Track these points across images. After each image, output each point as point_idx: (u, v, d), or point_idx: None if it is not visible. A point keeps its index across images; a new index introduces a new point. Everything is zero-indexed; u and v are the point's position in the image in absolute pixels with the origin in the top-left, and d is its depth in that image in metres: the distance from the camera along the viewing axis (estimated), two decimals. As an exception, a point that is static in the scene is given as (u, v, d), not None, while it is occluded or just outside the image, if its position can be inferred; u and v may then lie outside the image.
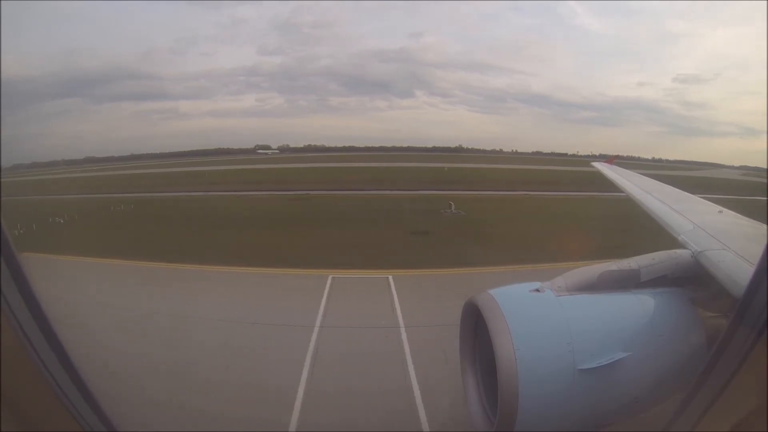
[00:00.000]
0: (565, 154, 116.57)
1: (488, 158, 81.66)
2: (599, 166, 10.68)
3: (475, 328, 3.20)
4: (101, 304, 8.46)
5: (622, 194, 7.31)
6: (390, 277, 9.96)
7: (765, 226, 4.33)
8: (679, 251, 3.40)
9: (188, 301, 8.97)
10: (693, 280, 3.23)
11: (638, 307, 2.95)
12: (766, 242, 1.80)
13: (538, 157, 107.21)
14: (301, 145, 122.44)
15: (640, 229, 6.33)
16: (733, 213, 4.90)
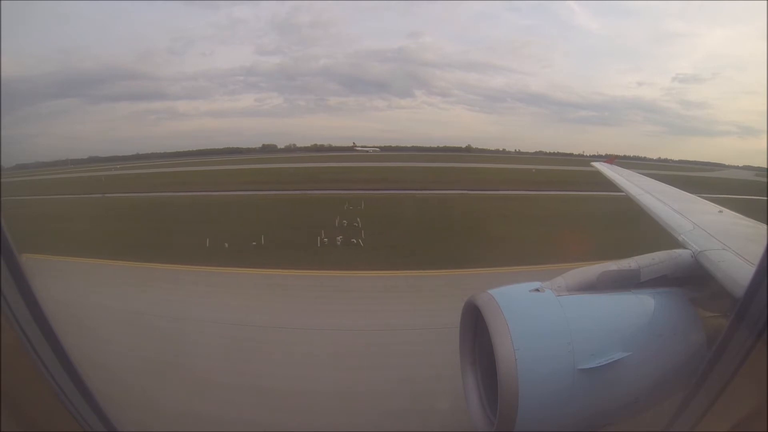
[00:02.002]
0: (571, 154, 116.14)
1: (516, 159, 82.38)
2: (599, 165, 10.72)
3: (475, 328, 3.20)
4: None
5: (622, 193, 7.33)
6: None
7: (765, 226, 4.32)
8: (679, 251, 3.39)
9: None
10: (693, 280, 3.22)
11: (638, 307, 2.94)
12: (766, 242, 1.80)
13: (552, 157, 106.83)
14: (309, 144, 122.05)
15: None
16: (733, 213, 4.90)
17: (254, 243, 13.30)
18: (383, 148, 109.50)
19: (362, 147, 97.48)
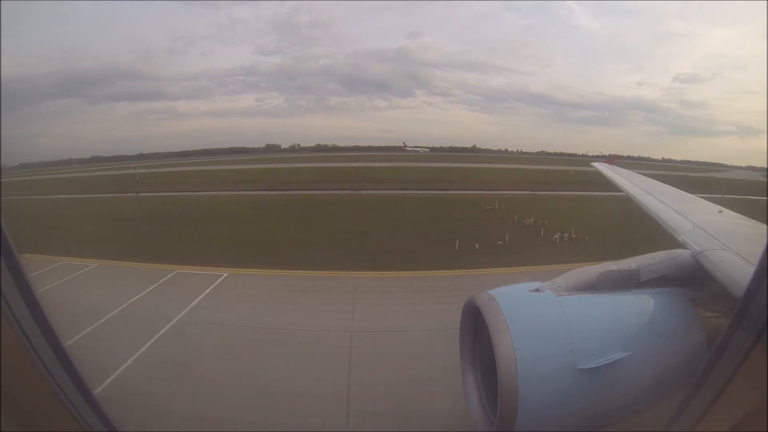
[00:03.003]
0: (574, 154, 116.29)
1: (540, 160, 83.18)
2: (599, 165, 10.73)
3: (475, 328, 3.20)
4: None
5: (622, 193, 7.33)
6: None
7: (765, 226, 4.33)
8: (679, 251, 3.39)
9: None
10: (693, 280, 3.22)
11: (638, 307, 2.95)
12: (766, 242, 1.80)
13: (558, 158, 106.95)
14: (313, 144, 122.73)
15: None
16: (733, 213, 4.91)
17: (500, 242, 13.85)
18: (385, 149, 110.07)
19: (413, 147, 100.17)
